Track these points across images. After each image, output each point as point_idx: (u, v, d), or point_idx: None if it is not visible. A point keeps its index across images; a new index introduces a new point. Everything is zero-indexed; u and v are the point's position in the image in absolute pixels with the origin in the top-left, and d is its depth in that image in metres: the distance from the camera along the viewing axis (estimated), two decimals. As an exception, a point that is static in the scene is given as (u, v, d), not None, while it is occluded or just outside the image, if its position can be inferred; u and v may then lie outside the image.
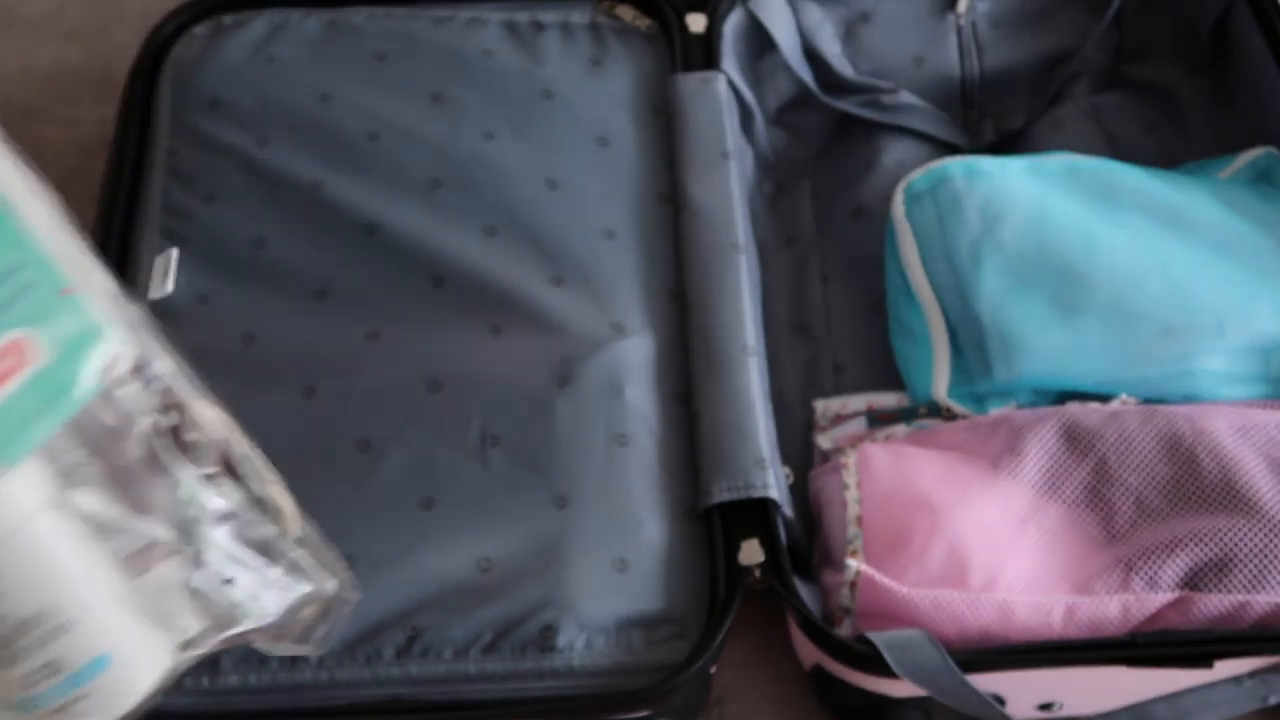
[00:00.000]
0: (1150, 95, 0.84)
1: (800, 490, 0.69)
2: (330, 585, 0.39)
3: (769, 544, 0.63)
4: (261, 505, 0.39)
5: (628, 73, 0.80)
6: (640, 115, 0.78)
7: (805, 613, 0.61)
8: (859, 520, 0.64)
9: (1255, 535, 0.60)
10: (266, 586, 0.39)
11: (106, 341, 0.33)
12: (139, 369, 0.35)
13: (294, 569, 0.40)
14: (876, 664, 0.58)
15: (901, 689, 0.60)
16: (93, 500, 0.33)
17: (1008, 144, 0.84)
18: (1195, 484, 0.63)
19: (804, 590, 0.62)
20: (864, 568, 0.61)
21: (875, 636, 0.59)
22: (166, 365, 0.37)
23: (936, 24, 0.84)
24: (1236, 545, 0.60)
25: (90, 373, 0.32)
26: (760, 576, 0.62)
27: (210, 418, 0.37)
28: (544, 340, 0.68)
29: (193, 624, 0.36)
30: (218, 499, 0.37)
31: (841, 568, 0.62)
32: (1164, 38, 0.85)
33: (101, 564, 0.33)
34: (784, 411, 0.71)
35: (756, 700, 0.67)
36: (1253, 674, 0.62)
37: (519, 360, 0.68)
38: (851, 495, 0.64)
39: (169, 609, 0.35)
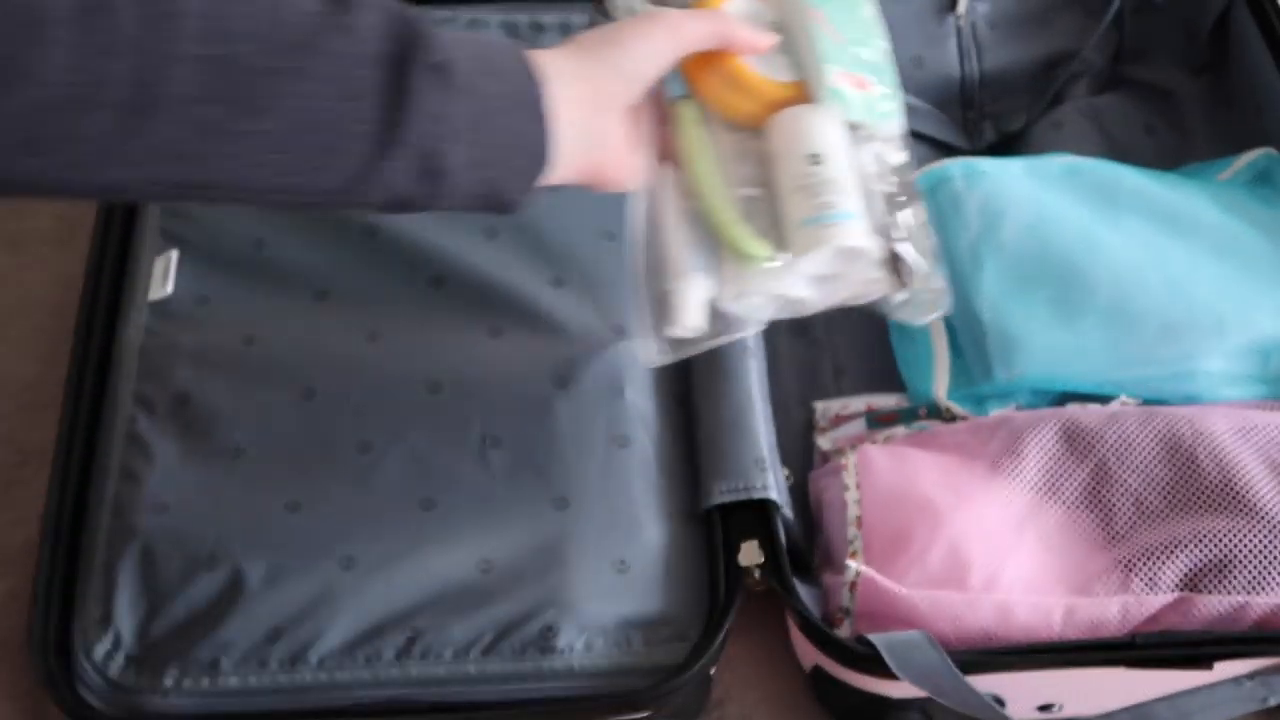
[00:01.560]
0: (1150, 96, 0.84)
1: (800, 492, 0.69)
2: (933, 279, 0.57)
3: (769, 545, 0.63)
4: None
5: (628, 74, 0.80)
6: (640, 116, 0.78)
7: (805, 614, 0.61)
8: (859, 522, 0.64)
9: (1255, 536, 0.60)
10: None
11: (891, 121, 0.59)
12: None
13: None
14: (876, 665, 0.58)
15: (901, 690, 0.60)
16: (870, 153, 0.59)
17: (1007, 145, 0.84)
18: (1195, 485, 0.63)
19: (804, 591, 0.62)
20: (864, 569, 0.61)
21: (875, 638, 0.59)
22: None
23: (936, 25, 0.84)
24: (1236, 546, 0.60)
25: (878, 120, 0.59)
26: (760, 577, 0.62)
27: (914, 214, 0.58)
28: (544, 341, 0.68)
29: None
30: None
31: (841, 569, 0.62)
32: (1164, 38, 0.85)
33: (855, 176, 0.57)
34: (784, 413, 0.71)
35: (756, 701, 0.67)
36: (1253, 675, 0.62)
37: (519, 361, 0.68)
38: (851, 497, 0.64)
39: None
